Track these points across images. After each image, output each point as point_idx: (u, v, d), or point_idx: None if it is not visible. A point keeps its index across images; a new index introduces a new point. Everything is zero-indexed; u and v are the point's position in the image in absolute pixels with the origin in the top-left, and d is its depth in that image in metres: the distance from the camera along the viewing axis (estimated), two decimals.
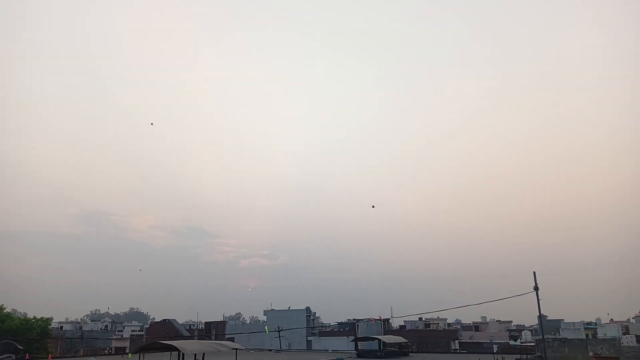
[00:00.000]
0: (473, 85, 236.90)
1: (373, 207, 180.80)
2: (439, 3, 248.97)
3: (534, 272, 35.32)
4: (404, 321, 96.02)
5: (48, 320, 70.06)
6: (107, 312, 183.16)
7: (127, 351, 72.86)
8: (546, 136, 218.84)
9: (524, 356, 47.39)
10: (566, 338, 50.61)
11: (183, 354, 32.69)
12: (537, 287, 34.86)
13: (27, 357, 50.06)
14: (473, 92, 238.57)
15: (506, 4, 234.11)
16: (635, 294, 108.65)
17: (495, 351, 60.04)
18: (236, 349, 39.82)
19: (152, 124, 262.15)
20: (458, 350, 72.98)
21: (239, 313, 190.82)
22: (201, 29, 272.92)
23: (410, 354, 62.19)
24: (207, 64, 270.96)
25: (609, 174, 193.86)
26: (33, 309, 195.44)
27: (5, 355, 49.80)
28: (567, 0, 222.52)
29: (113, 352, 78.13)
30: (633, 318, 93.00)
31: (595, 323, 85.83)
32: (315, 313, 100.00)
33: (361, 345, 64.97)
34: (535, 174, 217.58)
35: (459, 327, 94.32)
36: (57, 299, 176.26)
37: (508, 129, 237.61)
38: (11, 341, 53.72)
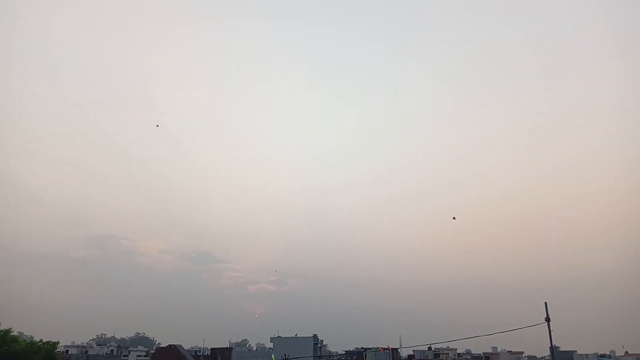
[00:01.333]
0: (480, 111, 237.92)
1: (454, 218, 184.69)
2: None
3: (545, 303, 34.85)
4: (413, 350, 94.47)
5: (54, 344, 69.62)
6: (113, 337, 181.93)
7: None
8: (564, 169, 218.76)
9: None
10: None
11: None
12: (549, 318, 34.33)
13: None
14: (481, 117, 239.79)
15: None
16: None
17: None
18: None
19: (157, 125, 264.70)
20: None
21: (246, 339, 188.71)
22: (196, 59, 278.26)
23: None
24: (210, 98, 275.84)
25: (625, 207, 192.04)
26: (39, 332, 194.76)
27: None
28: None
29: None
30: None
31: (609, 355, 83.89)
32: (322, 341, 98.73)
33: None
34: (549, 205, 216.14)
35: (469, 357, 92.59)
36: (63, 322, 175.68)
37: (525, 157, 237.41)
38: None
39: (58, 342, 75.96)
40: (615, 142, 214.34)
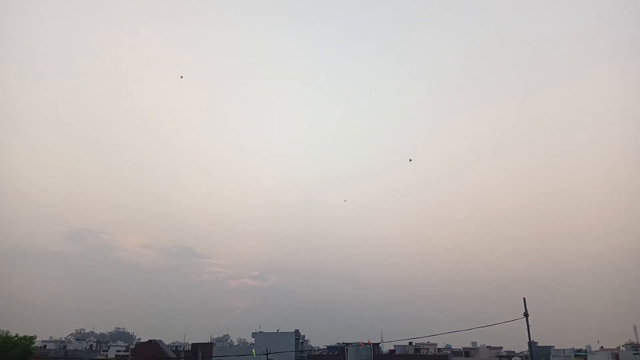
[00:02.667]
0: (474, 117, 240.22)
1: (410, 160, 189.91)
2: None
3: (524, 299, 35.32)
4: (394, 346, 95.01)
5: (31, 339, 68.39)
6: (92, 332, 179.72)
7: None
8: (543, 166, 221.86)
9: None
10: None
11: None
12: (527, 314, 34.82)
13: None
14: (477, 122, 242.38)
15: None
16: (626, 323, 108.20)
17: None
18: None
19: (181, 76, 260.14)
20: None
21: (227, 335, 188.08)
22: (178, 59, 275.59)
23: None
24: (194, 91, 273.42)
25: (605, 205, 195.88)
26: (16, 327, 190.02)
27: None
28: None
29: None
30: (623, 346, 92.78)
31: (586, 350, 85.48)
32: (304, 336, 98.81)
33: None
34: (528, 201, 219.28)
35: (449, 352, 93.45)
36: (41, 316, 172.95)
37: (505, 154, 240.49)
38: None
39: (35, 337, 74.63)
40: (594, 138, 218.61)
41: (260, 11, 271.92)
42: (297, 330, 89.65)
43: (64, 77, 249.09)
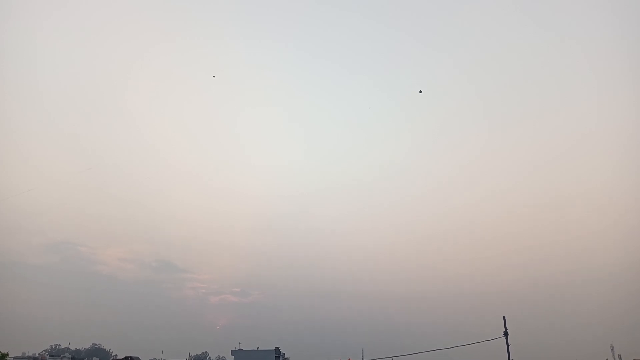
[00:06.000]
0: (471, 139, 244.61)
1: (420, 91, 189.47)
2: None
3: (504, 317, 35.72)
4: None
5: (4, 356, 66.84)
6: (68, 348, 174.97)
7: None
8: (525, 187, 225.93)
9: None
10: None
11: None
12: (507, 332, 35.19)
13: None
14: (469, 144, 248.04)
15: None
16: (604, 342, 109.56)
17: None
18: None
19: (214, 76, 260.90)
20: None
21: (205, 352, 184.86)
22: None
23: None
24: (180, 102, 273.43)
25: (585, 220, 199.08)
26: None
27: None
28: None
29: None
30: None
31: None
32: (284, 354, 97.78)
33: None
34: (511, 220, 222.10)
35: None
36: (14, 331, 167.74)
37: (490, 170, 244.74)
38: None
39: (7, 354, 72.80)
40: (576, 151, 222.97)
41: (251, 19, 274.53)
42: (278, 348, 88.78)
43: (45, 86, 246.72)
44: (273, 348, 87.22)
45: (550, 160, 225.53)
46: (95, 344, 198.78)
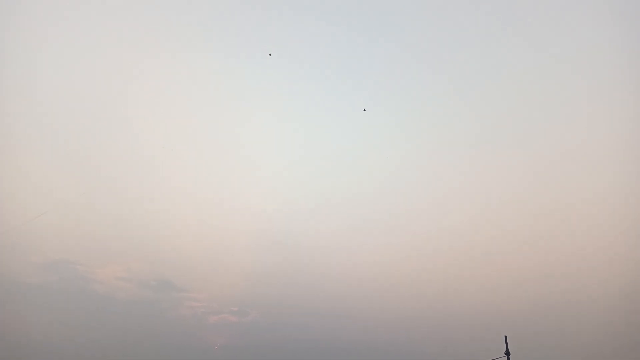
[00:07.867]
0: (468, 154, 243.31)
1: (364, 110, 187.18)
2: None
3: (505, 337, 34.56)
4: None
5: None
6: None
7: None
8: (522, 199, 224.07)
9: None
10: None
11: None
12: (509, 352, 33.99)
13: None
14: (467, 160, 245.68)
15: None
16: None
17: None
18: None
19: (270, 54, 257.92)
20: None
21: None
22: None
23: None
24: (178, 119, 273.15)
25: (585, 237, 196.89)
26: None
27: None
28: None
29: None
30: None
31: None
32: None
33: None
34: (508, 232, 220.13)
35: None
36: (8, 352, 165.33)
37: (487, 183, 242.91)
38: None
39: None
40: (575, 167, 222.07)
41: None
42: None
43: (39, 97, 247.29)
44: None
45: (554, 170, 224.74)
46: None
